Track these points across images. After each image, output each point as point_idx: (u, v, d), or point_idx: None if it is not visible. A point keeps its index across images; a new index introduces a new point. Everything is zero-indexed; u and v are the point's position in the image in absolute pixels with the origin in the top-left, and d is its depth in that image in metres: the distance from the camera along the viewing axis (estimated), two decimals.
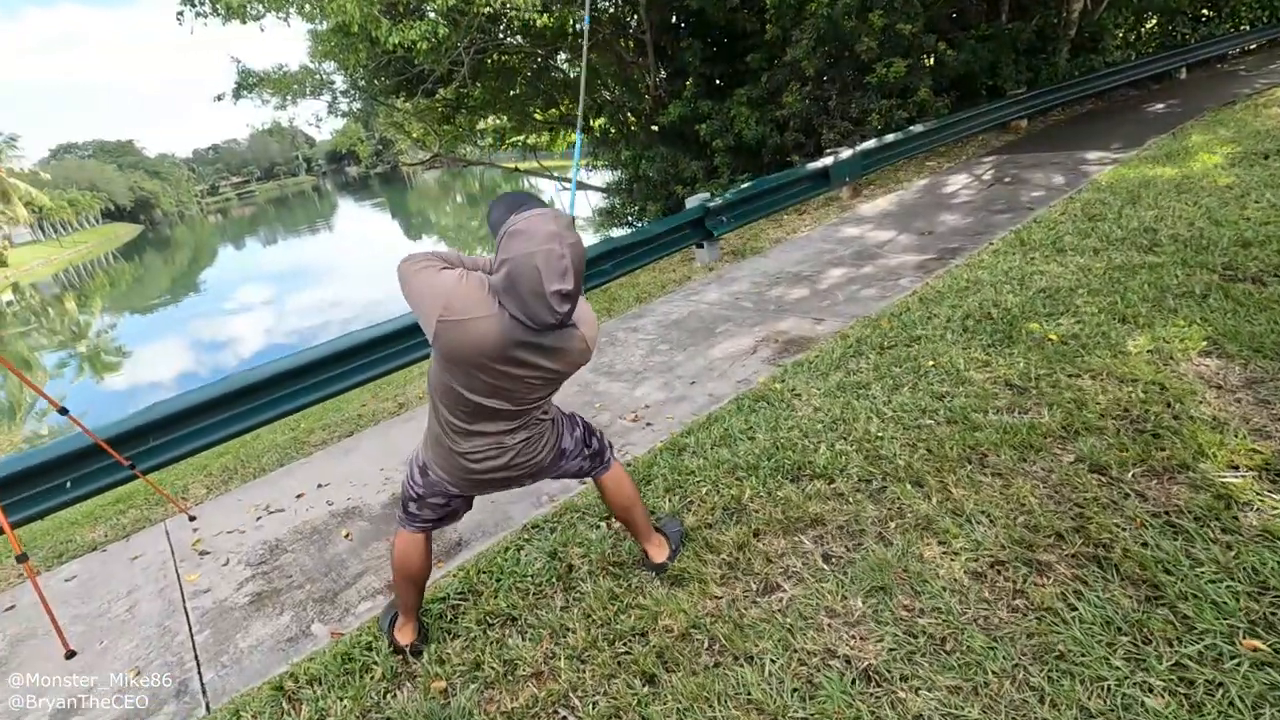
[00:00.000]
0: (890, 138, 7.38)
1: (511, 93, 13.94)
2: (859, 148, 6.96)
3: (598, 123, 14.44)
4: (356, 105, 12.53)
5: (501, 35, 11.89)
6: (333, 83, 12.31)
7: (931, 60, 9.29)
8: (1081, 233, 4.69)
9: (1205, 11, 11.05)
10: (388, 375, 4.24)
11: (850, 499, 2.46)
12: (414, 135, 14.29)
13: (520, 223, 1.51)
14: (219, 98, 12.17)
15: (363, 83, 12.09)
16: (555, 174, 16.59)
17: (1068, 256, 4.31)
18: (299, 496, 3.30)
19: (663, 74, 11.55)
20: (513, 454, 1.90)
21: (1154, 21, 10.72)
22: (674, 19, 11.28)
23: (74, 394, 14.05)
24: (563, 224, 1.52)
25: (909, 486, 2.45)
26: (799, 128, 9.24)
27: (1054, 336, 3.31)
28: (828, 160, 6.65)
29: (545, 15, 12.98)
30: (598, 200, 13.84)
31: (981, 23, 9.90)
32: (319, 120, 14.36)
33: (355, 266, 25.36)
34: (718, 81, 10.55)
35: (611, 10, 11.74)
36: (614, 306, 5.21)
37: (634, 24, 11.79)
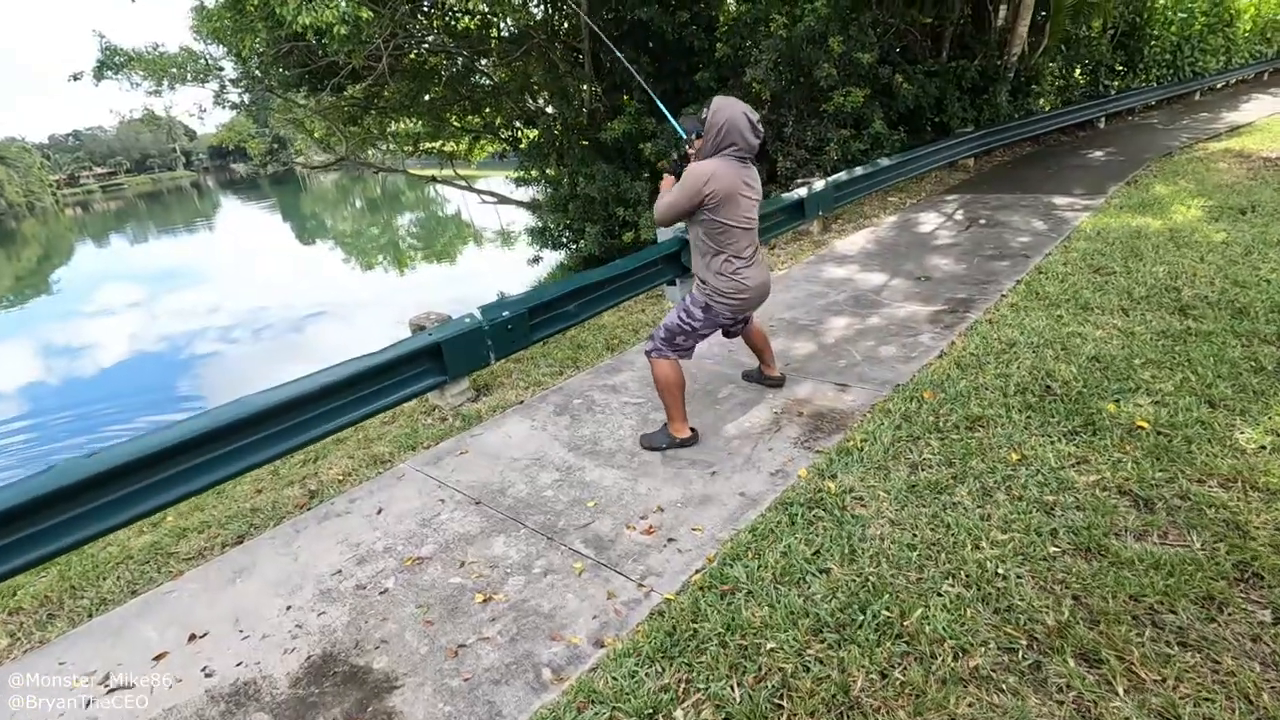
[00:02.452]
0: (860, 170, 6.96)
1: (427, 96, 12.75)
2: (831, 179, 6.48)
3: (526, 135, 13.52)
4: (248, 97, 10.94)
5: (421, 32, 10.77)
6: (220, 69, 10.69)
7: (879, 93, 9.06)
8: (1096, 287, 4.31)
9: (1119, 66, 11.64)
10: (293, 451, 3.19)
11: (1002, 685, 1.74)
12: (315, 135, 12.78)
13: (716, 101, 2.72)
14: (75, 77, 10.28)
15: (258, 72, 10.56)
16: (465, 183, 15.41)
17: (1097, 316, 3.88)
18: (158, 659, 2.22)
19: (599, 87, 10.80)
20: (765, 271, 2.98)
21: (1078, 70, 11.10)
22: (615, 30, 10.57)
23: None
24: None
25: (1076, 664, 1.77)
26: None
27: (1144, 423, 2.77)
28: (801, 191, 6.10)
29: (468, 17, 12.01)
30: (525, 218, 12.90)
31: (928, 58, 9.83)
32: (202, 111, 12.53)
33: (237, 270, 23.31)
34: (666, 99, 9.91)
35: (542, 15, 10.91)
36: (581, 356, 4.34)
37: (564, 29, 11.00)
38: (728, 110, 2.67)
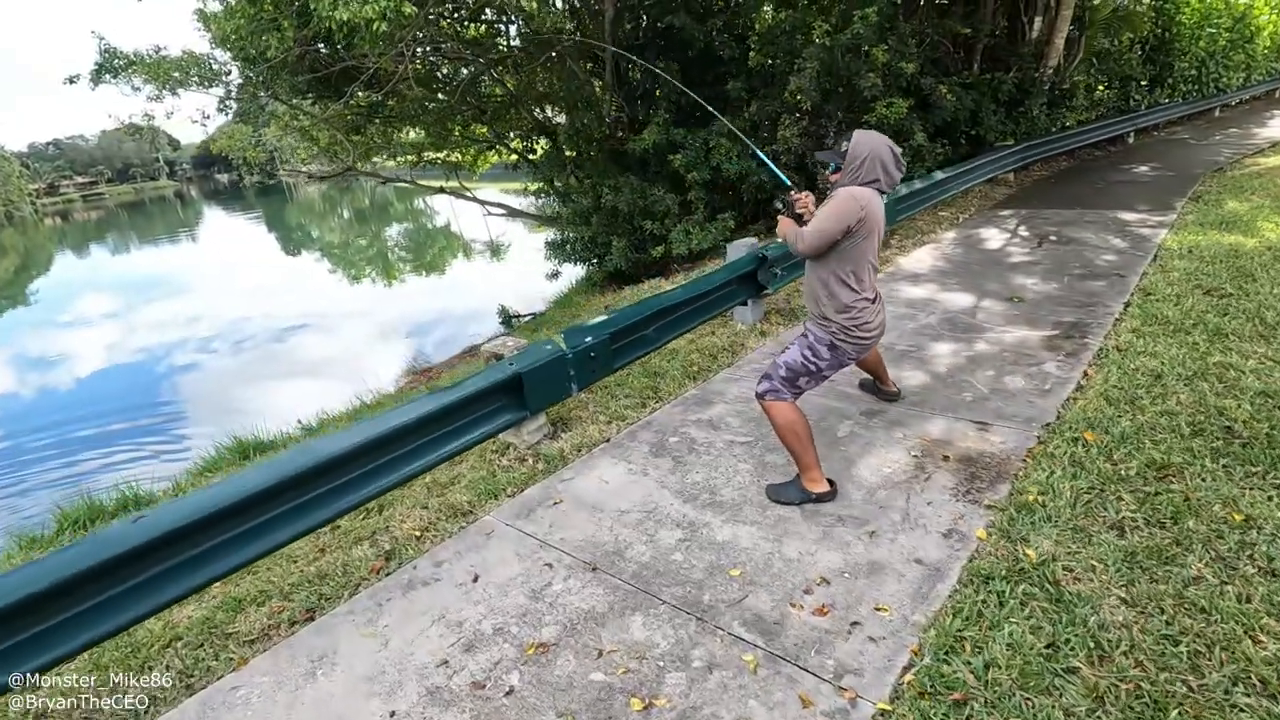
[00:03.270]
0: (918, 184, 6.62)
1: (430, 105, 12.32)
2: (897, 193, 6.12)
3: (539, 145, 13.14)
4: (258, 102, 10.46)
5: (439, 38, 10.38)
6: (228, 73, 10.22)
7: (917, 105, 8.77)
8: (1219, 310, 3.96)
9: (1146, 81, 11.50)
10: (363, 504, 2.73)
11: None
12: (320, 143, 12.29)
13: (858, 134, 2.57)
14: (71, 80, 9.76)
15: (262, 77, 10.08)
16: (471, 194, 14.97)
17: (1237, 343, 3.53)
18: None
19: (620, 97, 10.45)
20: (881, 320, 2.80)
21: (1103, 86, 10.93)
22: (640, 37, 10.26)
23: None
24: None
25: None
26: (791, 164, 8.40)
27: None
28: None
29: (474, 25, 11.64)
30: (518, 230, 12.44)
31: (960, 70, 9.58)
32: (205, 118, 12.03)
33: (219, 281, 22.68)
34: (695, 110, 9.57)
35: (569, 22, 10.56)
36: (661, 386, 3.91)
37: (577, 35, 10.65)
38: (870, 142, 2.55)
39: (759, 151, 3.66)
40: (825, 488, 2.68)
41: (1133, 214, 6.52)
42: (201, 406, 10.47)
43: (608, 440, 3.37)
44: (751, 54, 9.05)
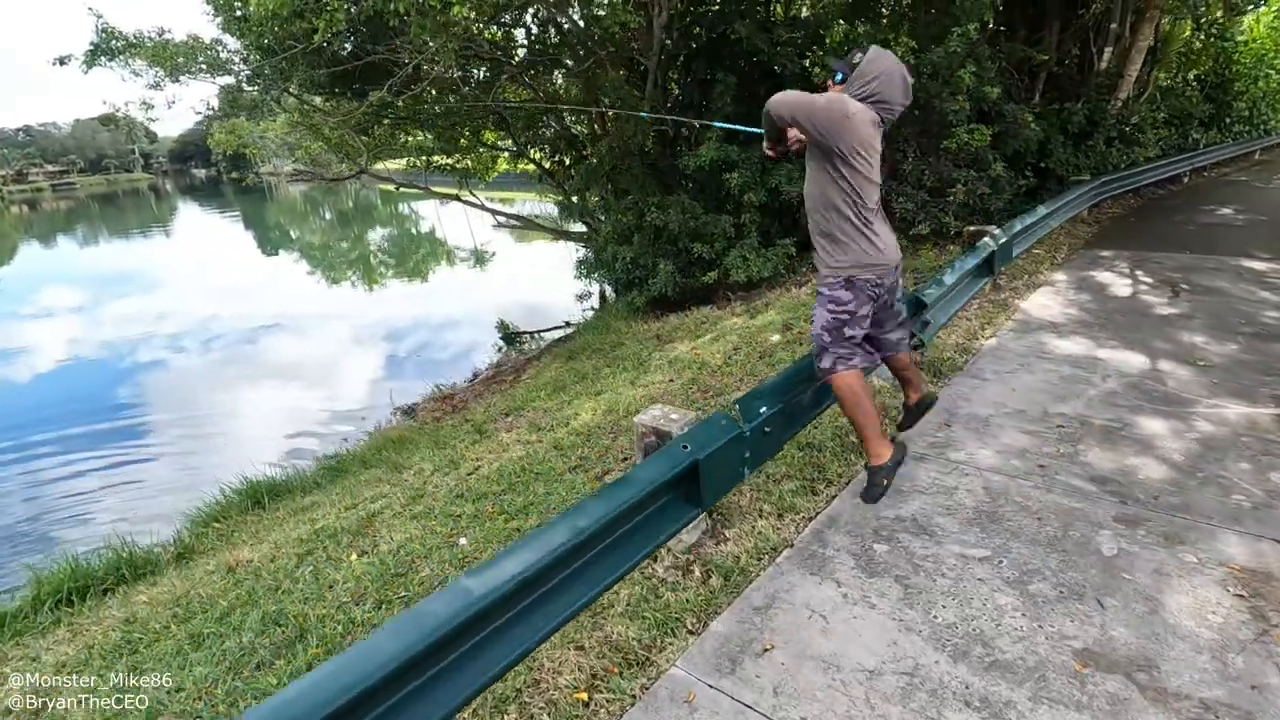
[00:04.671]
0: (1029, 219, 6.00)
1: (439, 108, 11.52)
2: (1013, 229, 5.49)
3: (568, 156, 12.42)
4: (270, 95, 9.55)
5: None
6: (237, 62, 9.31)
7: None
8: None
9: (1202, 120, 11.17)
10: (518, 663, 1.92)
11: None
12: (332, 142, 11.40)
13: (872, 51, 2.44)
14: (61, 61, 8.80)
15: (279, 68, 9.17)
16: (479, 202, 14.15)
17: None
18: None
19: (664, 108, 9.77)
20: (893, 235, 2.65)
21: (1164, 122, 10.54)
22: (691, 46, 9.61)
23: None
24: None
25: None
26: None
27: None
28: (989, 244, 5.08)
29: (494, 27, 10.90)
30: (505, 240, 11.69)
31: (1027, 99, 9.07)
32: (210, 110, 11.09)
33: (191, 278, 22.13)
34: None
35: (617, 31, 9.87)
36: (826, 462, 3.16)
37: (626, 42, 9.97)
38: (883, 61, 2.44)
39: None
40: (888, 455, 2.72)
41: (1260, 262, 5.97)
42: (168, 408, 9.90)
43: (790, 545, 2.61)
44: (816, 70, 8.45)
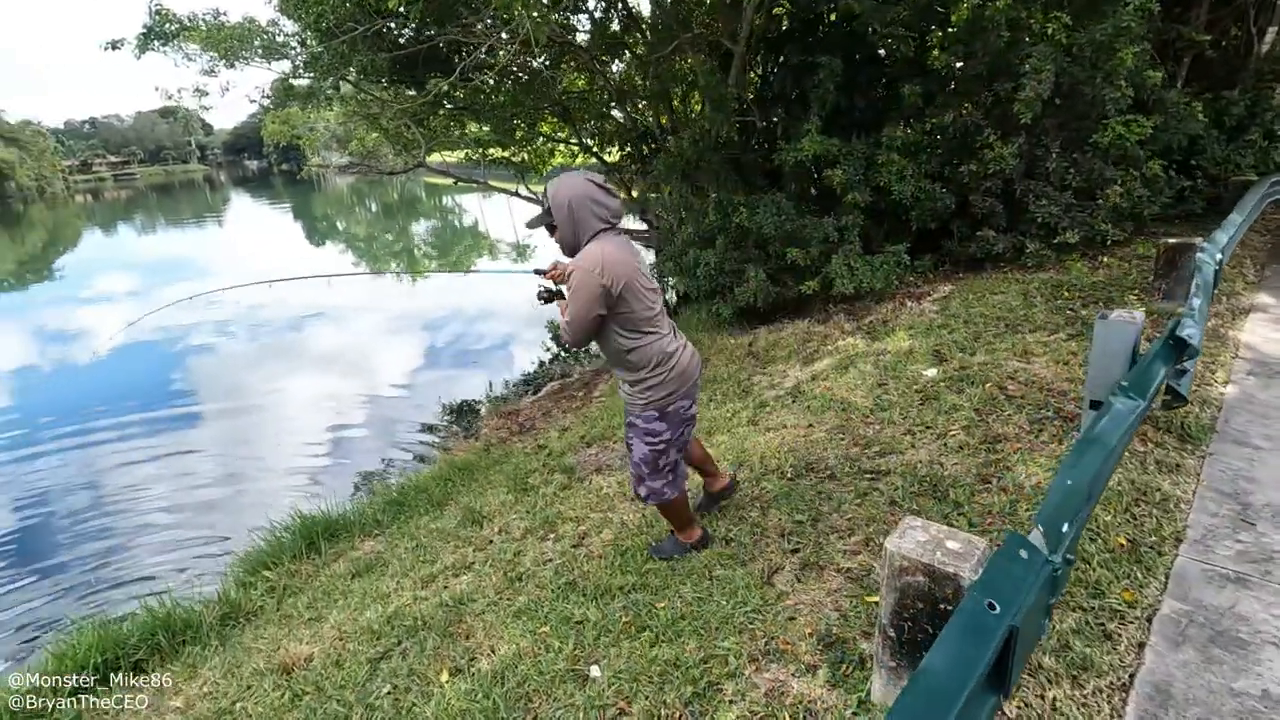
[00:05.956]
0: (1230, 230, 4.93)
1: (498, 97, 10.79)
2: (1218, 241, 4.45)
3: (613, 153, 11.63)
4: (327, 82, 8.92)
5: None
6: (288, 47, 8.71)
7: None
8: None
9: None
10: None
11: None
12: (389, 132, 10.78)
13: (550, 184, 2.37)
14: (114, 45, 8.34)
15: (330, 53, 8.50)
16: (526, 192, 13.42)
17: None
18: None
19: (749, 98, 8.85)
20: (692, 349, 2.60)
21: None
22: (784, 26, 8.67)
23: None
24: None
25: None
26: (996, 191, 6.73)
27: None
28: (1206, 260, 4.05)
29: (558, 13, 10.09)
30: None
31: (1175, 86, 7.87)
32: (265, 97, 10.59)
33: (241, 266, 22.62)
34: (855, 115, 7.93)
35: (700, 10, 8.99)
36: (1105, 581, 2.25)
37: (710, 24, 9.05)
38: (568, 186, 2.31)
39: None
40: (699, 533, 2.79)
41: None
42: (215, 396, 10.05)
43: None
44: (934, 52, 7.43)
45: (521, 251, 21.50)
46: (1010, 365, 4.04)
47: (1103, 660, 1.94)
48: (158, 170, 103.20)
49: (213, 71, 8.52)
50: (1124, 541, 2.41)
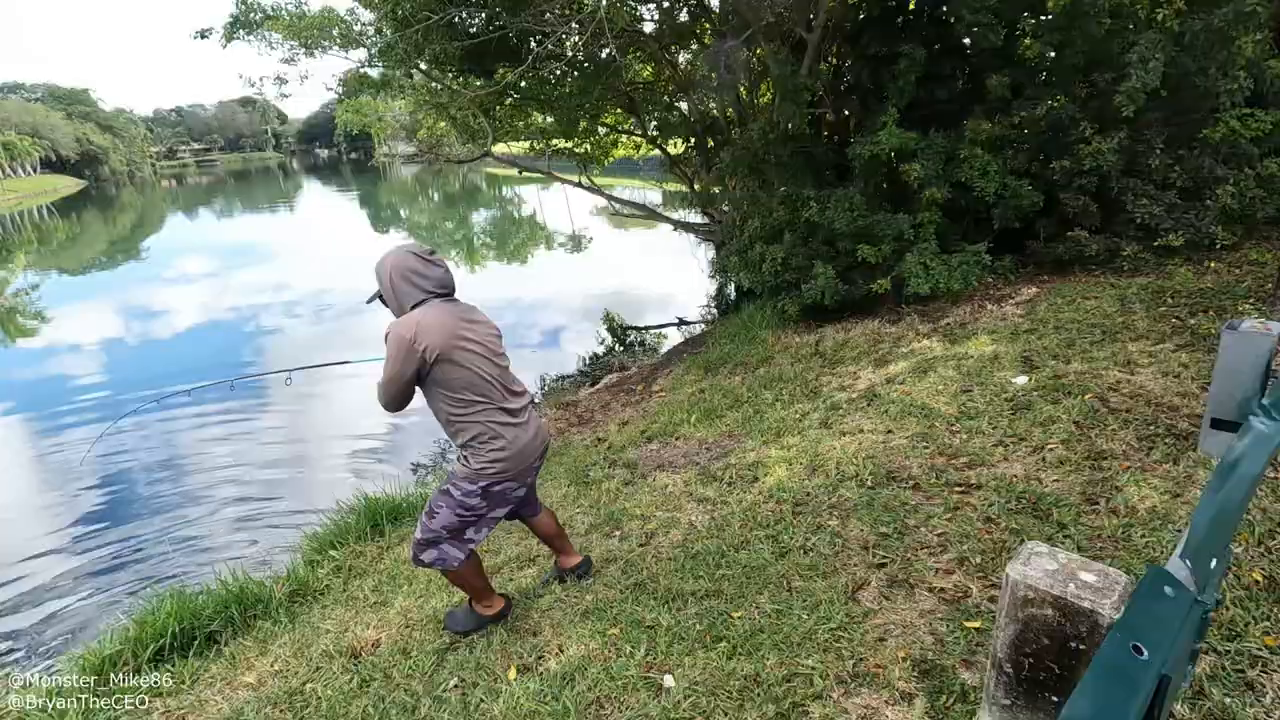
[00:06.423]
0: None
1: (562, 89, 10.76)
2: None
3: (677, 145, 11.47)
4: (400, 70, 9.06)
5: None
6: (365, 36, 8.87)
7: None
8: None
9: None
10: None
11: None
12: (457, 121, 10.90)
13: (378, 269, 2.39)
14: (202, 34, 8.67)
15: (404, 42, 8.60)
16: (600, 190, 13.34)
17: None
18: None
19: (821, 88, 8.56)
20: (533, 425, 2.46)
21: None
22: (861, 15, 8.34)
23: None
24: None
25: None
26: (1089, 189, 6.31)
27: None
28: None
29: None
30: (601, 225, 10.84)
31: None
32: (340, 85, 10.96)
33: (310, 252, 24.23)
34: (935, 107, 7.57)
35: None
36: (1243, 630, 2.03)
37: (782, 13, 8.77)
38: (389, 258, 2.38)
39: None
40: (501, 604, 2.66)
41: None
42: (282, 367, 10.43)
43: None
44: (1025, 41, 7.03)
45: (578, 243, 21.65)
46: (1111, 376, 3.75)
47: (1245, 712, 1.74)
48: (236, 157, 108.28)
49: (293, 60, 8.77)
50: (1260, 578, 2.17)
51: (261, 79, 8.98)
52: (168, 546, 5.77)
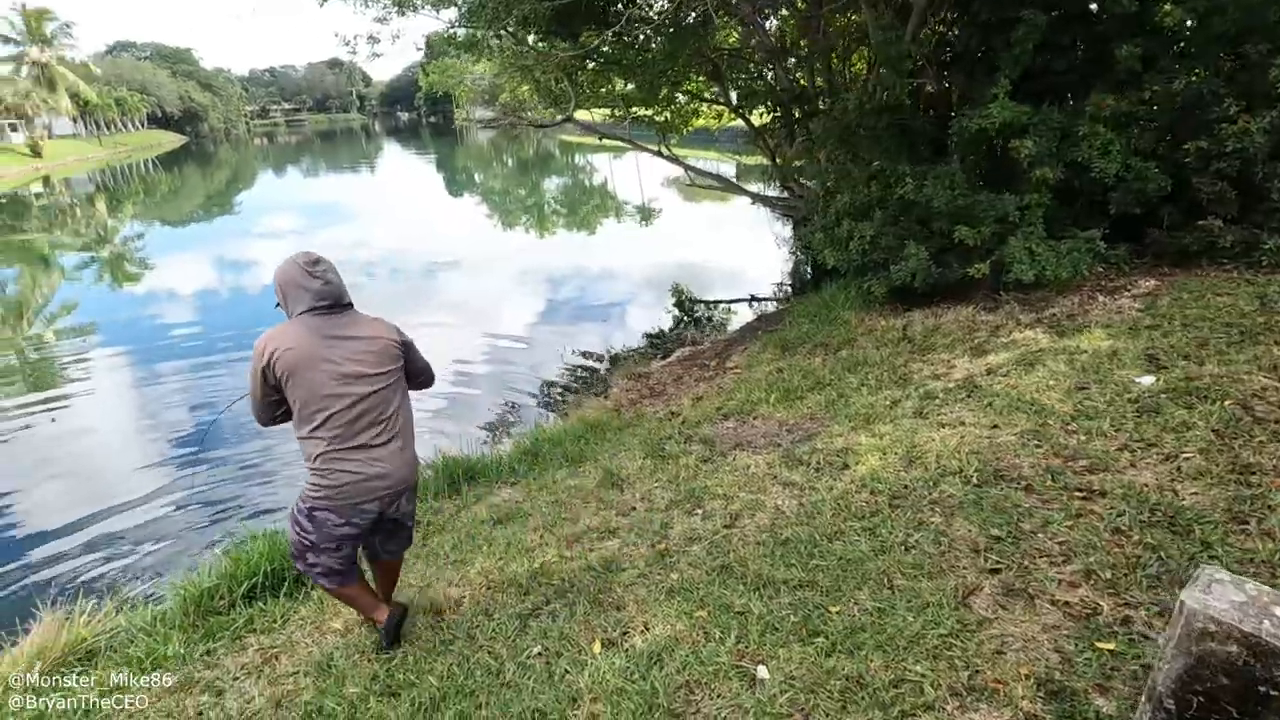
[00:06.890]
0: None
1: (646, 54, 10.46)
2: None
3: (761, 114, 11.05)
4: (489, 31, 9.03)
5: None
6: None
7: None
8: None
9: None
10: None
11: None
12: (541, 85, 10.84)
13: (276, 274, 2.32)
14: None
15: (493, 3, 8.53)
16: (680, 160, 13.03)
17: None
18: None
19: (921, 57, 8.02)
20: (391, 458, 2.30)
21: None
22: None
23: (90, 299, 13.69)
24: None
25: None
26: (1228, 174, 5.72)
27: None
28: None
29: None
30: (671, 196, 10.54)
31: None
32: (428, 46, 11.13)
33: (387, 213, 24.85)
34: (1051, 79, 7.00)
35: None
36: None
37: None
38: (281, 267, 2.32)
39: None
40: (385, 614, 2.59)
41: None
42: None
43: None
44: (1165, 7, 6.36)
45: (646, 215, 21.45)
46: (1255, 381, 3.37)
47: None
48: (323, 117, 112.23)
49: (385, 19, 8.86)
50: None
51: (355, 37, 9.09)
52: (261, 483, 6.07)
